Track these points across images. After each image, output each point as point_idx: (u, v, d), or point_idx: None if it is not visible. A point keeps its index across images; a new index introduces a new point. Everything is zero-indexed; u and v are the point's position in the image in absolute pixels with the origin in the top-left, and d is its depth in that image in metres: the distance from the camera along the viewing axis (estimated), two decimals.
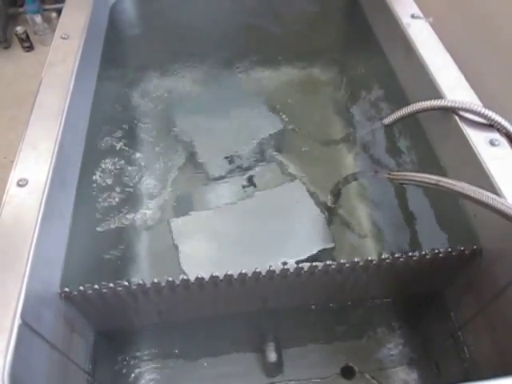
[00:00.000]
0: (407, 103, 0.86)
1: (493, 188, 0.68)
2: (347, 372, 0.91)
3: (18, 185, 0.68)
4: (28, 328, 0.57)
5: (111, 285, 0.68)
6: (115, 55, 1.17)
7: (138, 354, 0.90)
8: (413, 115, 0.86)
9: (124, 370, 0.88)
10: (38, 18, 2.26)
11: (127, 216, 1.03)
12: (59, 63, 0.89)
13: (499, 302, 0.70)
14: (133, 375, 0.89)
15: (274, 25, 1.31)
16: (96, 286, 0.68)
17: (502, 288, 0.69)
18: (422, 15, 0.98)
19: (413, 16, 0.99)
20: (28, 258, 0.60)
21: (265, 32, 1.32)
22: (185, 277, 0.69)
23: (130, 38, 1.27)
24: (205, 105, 1.30)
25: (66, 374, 0.67)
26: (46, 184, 0.69)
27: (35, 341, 0.59)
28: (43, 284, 0.64)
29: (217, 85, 1.36)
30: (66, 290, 0.67)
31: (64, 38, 0.94)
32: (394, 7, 1.02)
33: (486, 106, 0.76)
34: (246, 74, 1.39)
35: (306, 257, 0.96)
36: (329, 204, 1.08)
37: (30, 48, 2.30)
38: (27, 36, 2.26)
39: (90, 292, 0.68)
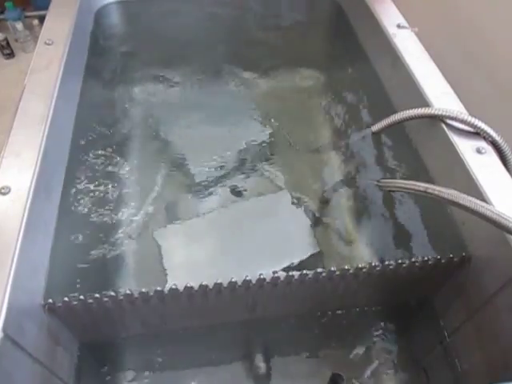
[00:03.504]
0: (394, 111, 0.87)
1: (480, 195, 0.68)
2: (336, 380, 0.90)
3: (1, 193, 0.66)
4: (10, 341, 0.55)
5: (97, 295, 0.66)
6: (100, 61, 1.15)
7: (123, 366, 0.87)
8: (401, 123, 0.87)
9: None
10: (20, 25, 2.24)
11: (112, 224, 1.01)
12: (43, 69, 0.87)
13: (487, 309, 0.71)
14: None
15: (260, 35, 1.32)
16: (81, 297, 0.66)
17: (490, 295, 0.69)
18: (407, 25, 1.00)
19: (399, 26, 1.00)
20: (11, 268, 0.58)
21: (252, 41, 1.33)
22: (173, 286, 0.68)
23: (114, 44, 1.26)
24: (192, 113, 1.29)
25: None
26: (29, 192, 0.67)
27: (18, 354, 0.57)
28: (26, 295, 0.61)
29: (205, 93, 1.36)
30: (50, 301, 0.65)
31: (48, 44, 0.93)
32: (380, 17, 1.03)
33: (471, 115, 0.78)
34: (235, 82, 1.39)
35: (294, 263, 0.96)
36: (317, 212, 1.08)
37: (11, 55, 2.27)
38: (8, 43, 2.23)
39: (74, 303, 0.66)
